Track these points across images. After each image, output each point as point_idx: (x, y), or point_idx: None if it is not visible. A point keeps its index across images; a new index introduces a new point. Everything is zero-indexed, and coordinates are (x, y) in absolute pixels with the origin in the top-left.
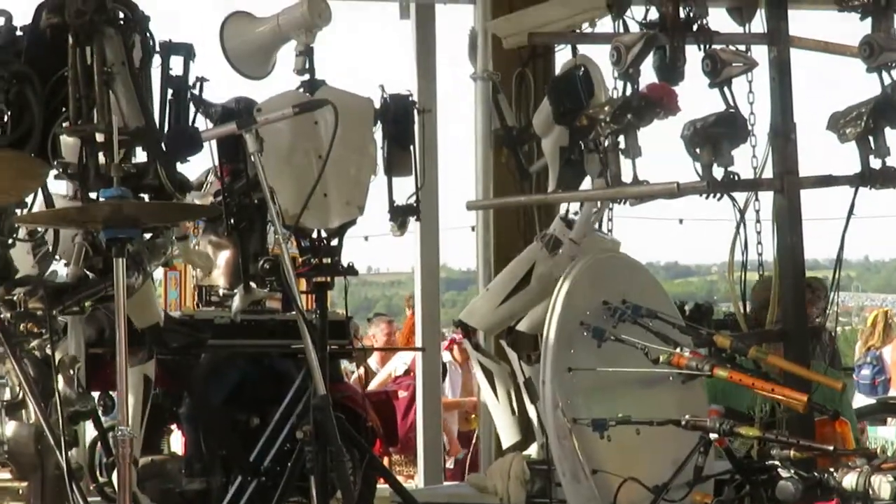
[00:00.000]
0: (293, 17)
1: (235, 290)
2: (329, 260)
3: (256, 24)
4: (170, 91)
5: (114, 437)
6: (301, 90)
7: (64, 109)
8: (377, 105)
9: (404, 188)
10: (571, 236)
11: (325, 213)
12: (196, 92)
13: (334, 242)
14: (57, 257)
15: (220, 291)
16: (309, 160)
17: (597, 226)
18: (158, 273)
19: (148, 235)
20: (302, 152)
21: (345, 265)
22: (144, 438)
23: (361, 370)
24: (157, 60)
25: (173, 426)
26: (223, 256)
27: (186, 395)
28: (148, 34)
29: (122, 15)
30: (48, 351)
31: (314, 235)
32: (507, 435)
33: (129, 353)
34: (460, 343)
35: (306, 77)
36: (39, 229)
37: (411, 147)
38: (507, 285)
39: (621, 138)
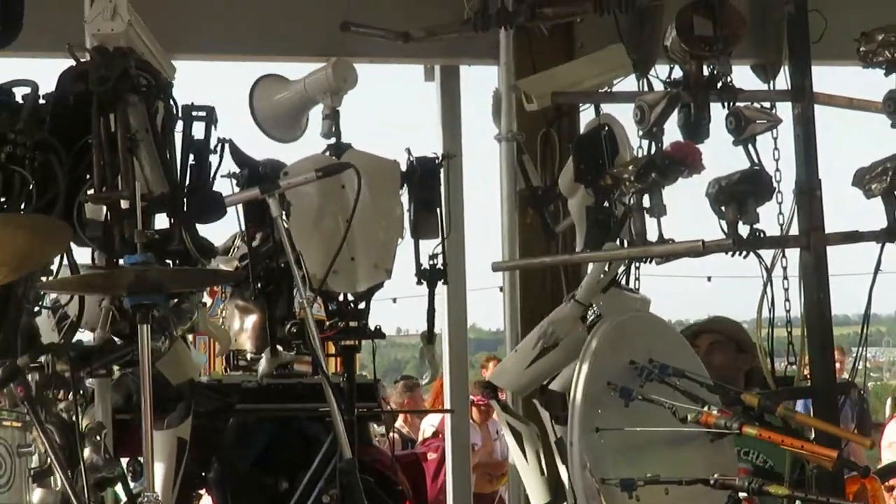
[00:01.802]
0: (318, 81)
1: (262, 354)
2: (356, 323)
3: (285, 88)
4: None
5: (141, 502)
6: (327, 153)
7: (88, 176)
8: (403, 168)
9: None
10: (577, 297)
11: (352, 277)
12: (227, 151)
13: (361, 306)
14: (82, 328)
15: (248, 355)
16: (336, 223)
17: (623, 282)
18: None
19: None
20: (329, 216)
21: (372, 328)
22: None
23: (396, 435)
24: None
25: (202, 491)
26: (250, 320)
27: (215, 460)
28: (171, 100)
29: (145, 81)
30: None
31: (341, 298)
32: (537, 496)
33: (159, 416)
34: (478, 404)
35: (333, 140)
36: (62, 300)
37: (438, 209)
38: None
39: (646, 197)
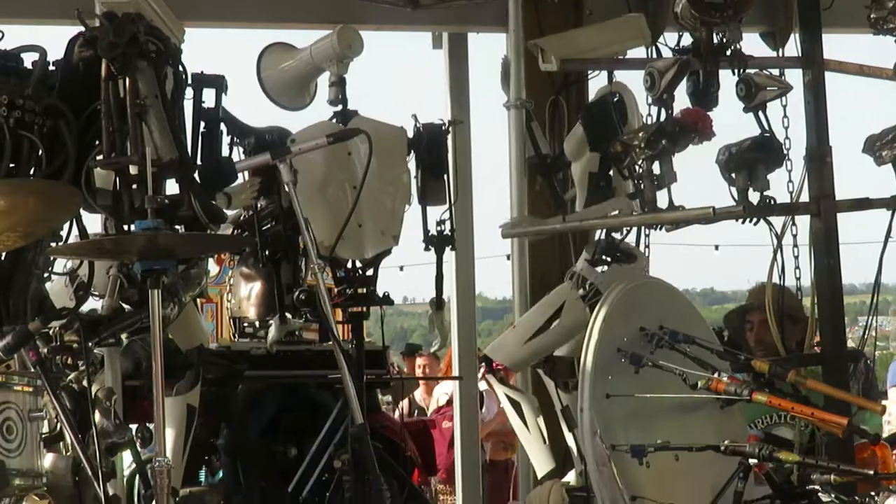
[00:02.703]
0: (324, 48)
1: (270, 321)
2: (364, 290)
3: (292, 56)
4: (202, 123)
5: (151, 467)
6: (334, 121)
7: (97, 142)
8: (410, 134)
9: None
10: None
11: (359, 244)
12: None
13: (369, 272)
14: (92, 293)
15: (255, 322)
16: (343, 191)
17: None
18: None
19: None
20: (336, 183)
21: (380, 295)
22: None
23: (405, 402)
24: (189, 92)
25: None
26: (254, 288)
27: (224, 427)
28: (180, 66)
29: (154, 48)
30: (85, 384)
31: (349, 266)
32: (541, 464)
33: (168, 383)
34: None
35: (339, 108)
36: (74, 266)
37: (445, 176)
38: (535, 323)
39: (656, 164)
